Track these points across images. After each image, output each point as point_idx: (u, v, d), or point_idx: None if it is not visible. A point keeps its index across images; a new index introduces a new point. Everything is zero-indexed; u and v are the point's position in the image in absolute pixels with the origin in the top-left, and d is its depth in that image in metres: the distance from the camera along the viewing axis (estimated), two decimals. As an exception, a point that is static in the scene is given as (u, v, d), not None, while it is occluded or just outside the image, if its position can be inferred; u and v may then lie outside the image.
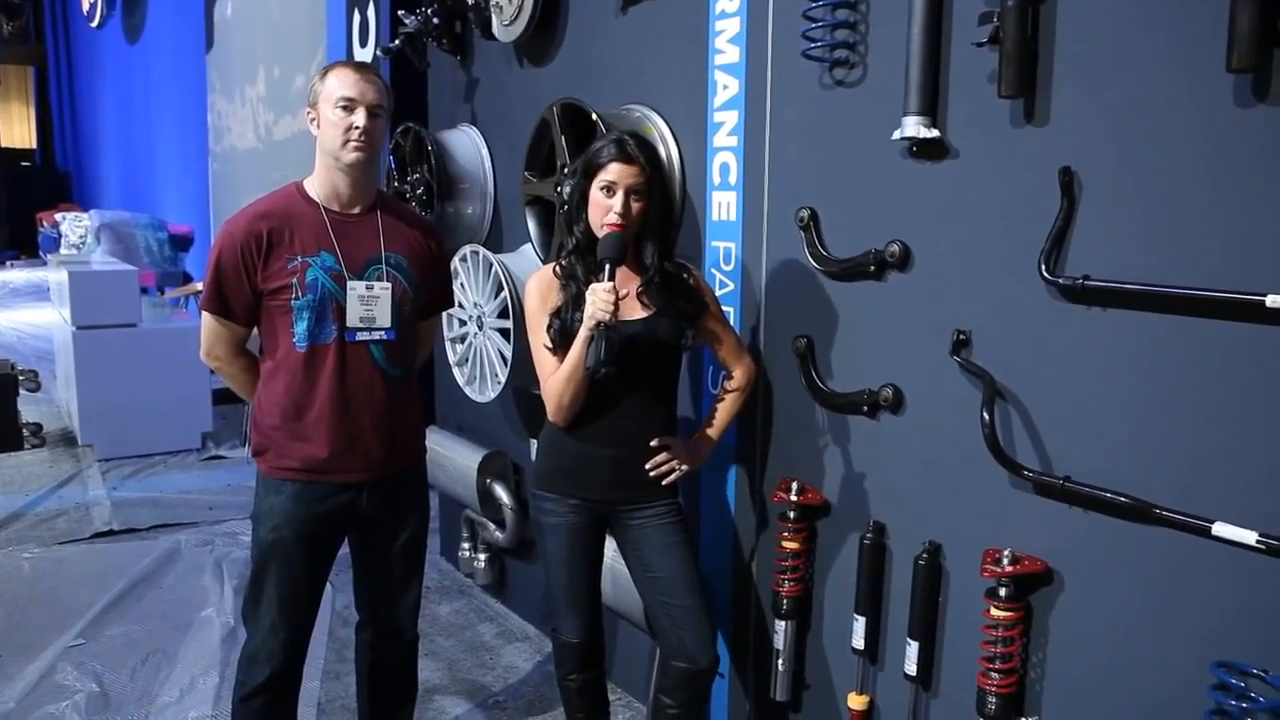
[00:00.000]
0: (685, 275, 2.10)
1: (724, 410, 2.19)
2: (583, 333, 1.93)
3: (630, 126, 2.51)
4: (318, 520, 2.08)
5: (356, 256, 2.05)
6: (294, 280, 1.99)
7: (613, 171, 1.96)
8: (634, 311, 2.03)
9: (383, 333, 2.06)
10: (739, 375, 2.17)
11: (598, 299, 1.88)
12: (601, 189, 1.97)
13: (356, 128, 1.98)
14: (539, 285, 2.10)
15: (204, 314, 2.07)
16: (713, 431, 2.20)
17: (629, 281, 2.03)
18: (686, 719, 2.14)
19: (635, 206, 1.97)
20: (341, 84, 1.99)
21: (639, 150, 1.99)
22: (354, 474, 2.08)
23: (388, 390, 2.09)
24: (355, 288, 2.02)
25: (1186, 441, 1.54)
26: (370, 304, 2.04)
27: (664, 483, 2.09)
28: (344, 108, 1.98)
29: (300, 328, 2.01)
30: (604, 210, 1.97)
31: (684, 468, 2.11)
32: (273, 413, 2.06)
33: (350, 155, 1.99)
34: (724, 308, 2.25)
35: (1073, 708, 1.73)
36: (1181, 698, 1.54)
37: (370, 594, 2.27)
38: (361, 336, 2.04)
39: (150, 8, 10.21)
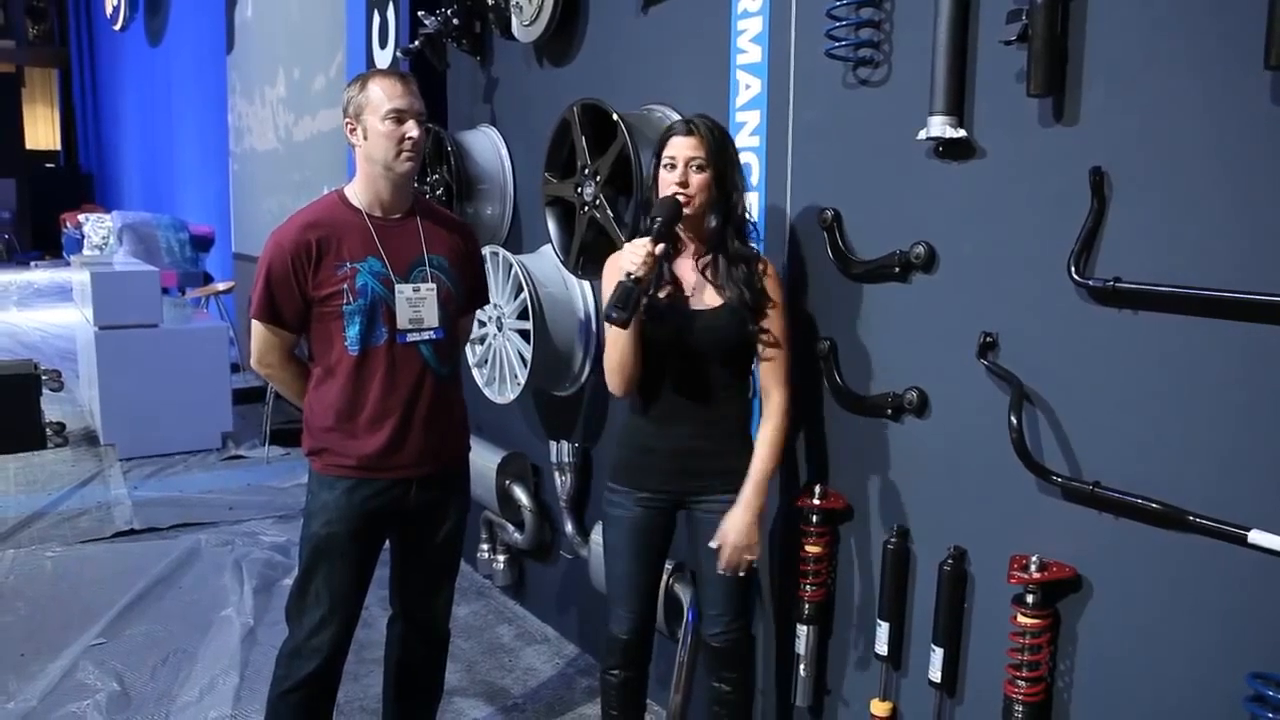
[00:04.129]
0: (757, 263, 2.03)
1: (760, 458, 2.03)
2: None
3: (652, 127, 2.50)
4: (369, 516, 2.13)
5: (401, 260, 2.10)
6: (344, 286, 2.04)
7: (673, 146, 1.98)
8: (706, 300, 2.03)
9: (431, 332, 2.12)
10: (771, 408, 2.04)
11: (630, 250, 1.91)
12: (665, 166, 1.99)
13: (410, 138, 2.04)
14: (616, 263, 2.08)
15: (255, 323, 2.12)
16: (750, 492, 2.01)
17: (695, 256, 2.04)
18: (736, 696, 2.17)
19: (697, 178, 1.96)
20: (390, 95, 2.03)
21: (700, 123, 1.99)
22: (405, 470, 2.13)
23: (437, 388, 2.15)
24: (403, 290, 2.08)
25: (1220, 447, 1.51)
26: (418, 306, 2.10)
27: (740, 573, 2.03)
28: (394, 119, 2.02)
29: (352, 332, 2.06)
30: (668, 186, 1.98)
31: (749, 558, 2.01)
32: (327, 416, 2.10)
33: (404, 165, 2.06)
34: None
35: (1101, 718, 1.70)
36: (1215, 710, 1.51)
37: (408, 588, 2.30)
38: (412, 338, 2.10)
39: (172, 11, 10.29)
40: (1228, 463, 1.50)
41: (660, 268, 1.99)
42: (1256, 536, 1.43)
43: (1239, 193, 1.46)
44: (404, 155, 2.04)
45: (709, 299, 2.03)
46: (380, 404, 2.08)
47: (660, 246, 1.92)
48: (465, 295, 2.24)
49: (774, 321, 2.03)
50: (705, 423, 2.06)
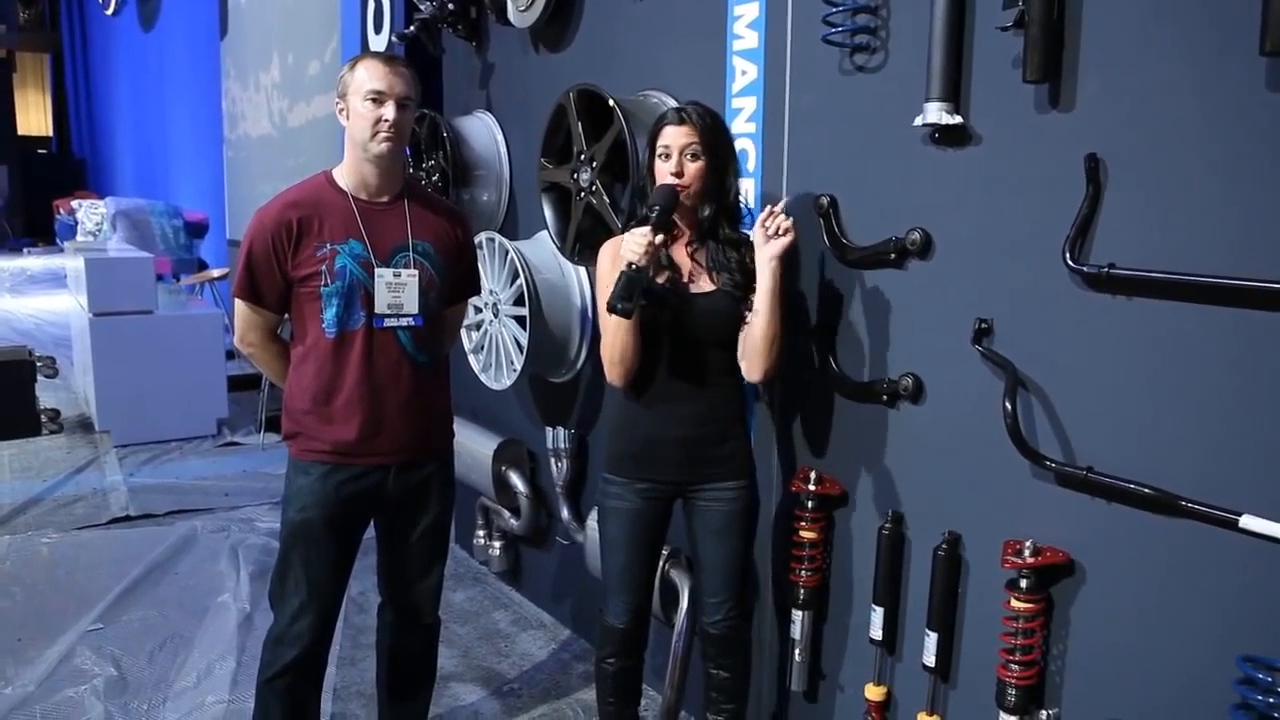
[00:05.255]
0: (746, 247, 2.06)
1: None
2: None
3: (648, 113, 2.49)
4: (345, 501, 2.12)
5: (384, 244, 2.08)
6: (323, 267, 2.03)
7: (667, 135, 1.99)
8: (701, 285, 2.04)
9: (410, 319, 2.10)
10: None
11: (631, 241, 1.91)
12: (660, 156, 2.00)
13: (386, 120, 2.01)
14: (611, 250, 2.09)
15: (237, 301, 2.11)
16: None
17: (688, 242, 2.05)
18: (733, 683, 2.20)
19: (692, 167, 1.98)
20: (371, 76, 2.02)
21: (692, 111, 2.00)
22: (381, 457, 2.12)
23: (415, 375, 2.13)
24: (383, 275, 2.06)
25: (1213, 432, 1.51)
26: (397, 291, 2.07)
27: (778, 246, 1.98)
28: (373, 100, 2.01)
29: (329, 314, 2.05)
30: (663, 175, 2.00)
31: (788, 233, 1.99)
32: (303, 398, 2.10)
33: (379, 146, 2.03)
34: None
35: (1094, 701, 1.71)
36: (1206, 692, 1.52)
37: (392, 576, 2.30)
38: (389, 323, 2.08)
39: (165, -5, 10.22)
40: (1220, 448, 1.51)
41: (659, 254, 2.00)
42: (1248, 521, 1.44)
43: (1233, 179, 1.46)
44: (380, 136, 2.01)
45: (704, 284, 2.04)
46: (356, 388, 2.07)
47: (660, 236, 1.93)
48: (452, 283, 2.21)
49: None
50: (707, 408, 2.07)
